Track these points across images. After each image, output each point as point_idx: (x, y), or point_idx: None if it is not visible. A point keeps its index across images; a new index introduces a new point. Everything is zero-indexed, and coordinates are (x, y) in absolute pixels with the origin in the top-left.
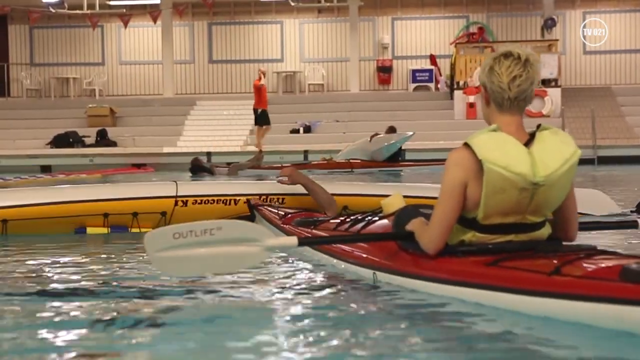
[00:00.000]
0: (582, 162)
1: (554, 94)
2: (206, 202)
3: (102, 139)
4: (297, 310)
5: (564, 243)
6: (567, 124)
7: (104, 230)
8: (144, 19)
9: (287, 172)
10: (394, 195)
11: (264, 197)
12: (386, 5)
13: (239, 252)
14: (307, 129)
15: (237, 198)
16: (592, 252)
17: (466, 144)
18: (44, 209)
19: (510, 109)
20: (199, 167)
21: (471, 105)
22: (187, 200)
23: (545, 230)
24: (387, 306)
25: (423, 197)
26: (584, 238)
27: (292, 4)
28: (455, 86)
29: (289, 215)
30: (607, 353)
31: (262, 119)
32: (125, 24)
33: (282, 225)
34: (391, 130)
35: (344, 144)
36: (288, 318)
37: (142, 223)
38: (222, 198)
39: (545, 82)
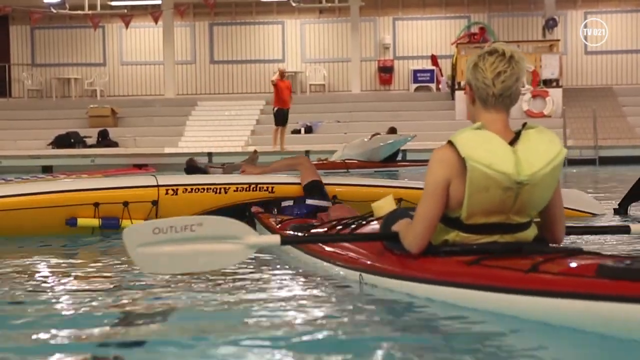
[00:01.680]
0: (584, 162)
1: (556, 94)
2: (197, 190)
3: (104, 140)
4: (279, 312)
5: (551, 245)
6: (569, 124)
7: (95, 222)
8: (145, 19)
9: (242, 169)
10: (385, 198)
11: (254, 185)
12: (387, 6)
13: (220, 249)
14: (309, 129)
15: (227, 187)
16: (575, 252)
17: (450, 142)
18: (34, 199)
19: (496, 106)
20: (194, 167)
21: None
22: (177, 189)
23: (531, 231)
24: (369, 307)
25: (400, 188)
26: (581, 243)
27: (294, 4)
28: (456, 86)
29: (286, 221)
30: (583, 351)
31: (275, 118)
32: (127, 25)
33: (278, 231)
34: (392, 131)
35: (345, 144)
36: (270, 320)
37: (133, 213)
38: (213, 187)
39: (547, 83)
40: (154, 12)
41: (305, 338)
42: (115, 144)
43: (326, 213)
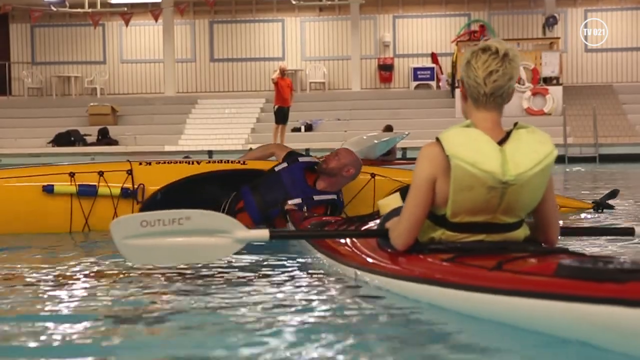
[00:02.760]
0: (584, 160)
1: (556, 92)
2: (169, 162)
3: (104, 138)
4: (270, 306)
5: (543, 245)
6: (569, 122)
7: (72, 188)
8: (145, 17)
9: None
10: (392, 196)
11: (225, 160)
12: (387, 4)
13: (208, 243)
14: (309, 127)
15: (200, 161)
16: (555, 252)
17: (438, 139)
18: (9, 171)
19: (487, 105)
20: None
21: None
22: (150, 162)
23: (522, 232)
24: (357, 304)
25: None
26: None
27: (294, 2)
28: (456, 84)
29: (309, 218)
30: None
31: (275, 116)
32: (127, 23)
33: (300, 227)
34: (388, 129)
35: (343, 142)
36: (262, 315)
37: (109, 180)
38: (185, 161)
39: (547, 80)
40: (154, 10)
41: (282, 333)
42: (115, 142)
43: (326, 161)
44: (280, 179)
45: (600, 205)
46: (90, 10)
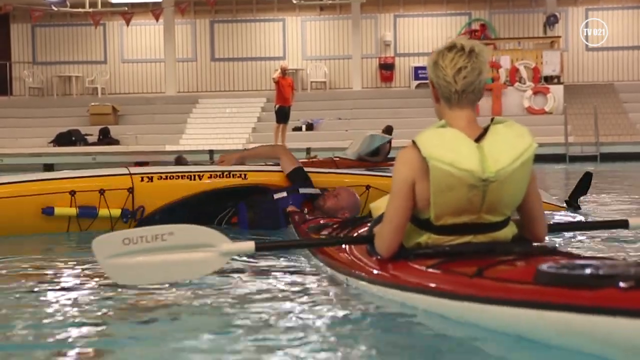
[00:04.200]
0: (585, 159)
1: (557, 91)
2: (171, 177)
3: (105, 137)
4: (256, 313)
5: (534, 244)
6: (570, 120)
7: (73, 210)
8: (146, 17)
9: (221, 158)
10: (384, 198)
11: (227, 172)
12: (388, 3)
13: (193, 258)
14: (310, 127)
15: (202, 174)
16: (540, 252)
17: (413, 142)
18: (9, 188)
19: (459, 103)
20: (182, 165)
21: None
22: (152, 177)
23: (509, 230)
24: (343, 310)
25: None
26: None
27: (294, 1)
28: None
29: (308, 221)
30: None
31: (276, 115)
32: (128, 22)
33: (299, 229)
34: (388, 129)
35: (347, 141)
36: (246, 320)
37: (109, 201)
38: (187, 174)
39: (548, 79)
40: (154, 10)
41: (259, 337)
42: (116, 142)
43: (324, 198)
44: (277, 207)
45: (572, 203)
46: (91, 10)
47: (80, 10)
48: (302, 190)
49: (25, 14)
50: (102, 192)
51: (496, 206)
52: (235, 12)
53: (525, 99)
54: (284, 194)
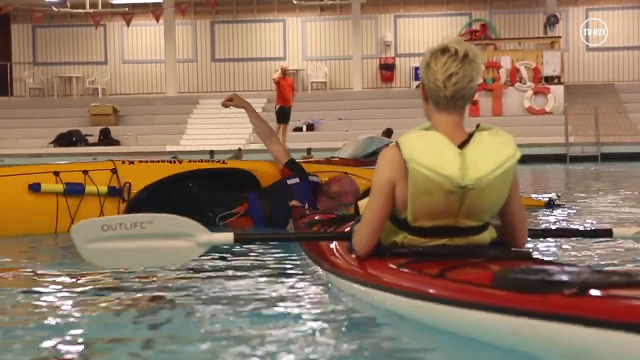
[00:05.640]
0: (586, 159)
1: (557, 91)
2: (151, 162)
3: (105, 138)
4: (230, 306)
5: (512, 249)
6: (570, 121)
7: (60, 187)
8: (147, 17)
9: (231, 96)
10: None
11: (206, 161)
12: (388, 3)
13: (170, 246)
14: (310, 127)
15: (181, 160)
16: (513, 258)
17: (397, 142)
18: None
19: (447, 108)
20: None
21: (474, 103)
22: (133, 161)
23: (487, 235)
24: (318, 305)
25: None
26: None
27: (295, 2)
28: None
29: (304, 217)
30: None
31: (277, 116)
32: (128, 23)
33: (296, 224)
34: (388, 132)
35: (347, 142)
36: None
37: (95, 180)
38: (167, 160)
39: (548, 80)
40: (155, 11)
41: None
42: (117, 143)
43: (329, 183)
44: (291, 192)
45: (552, 201)
46: (91, 10)
47: (80, 11)
48: (311, 178)
49: (26, 15)
50: (85, 172)
51: (474, 212)
52: (236, 12)
53: (526, 99)
54: (297, 180)
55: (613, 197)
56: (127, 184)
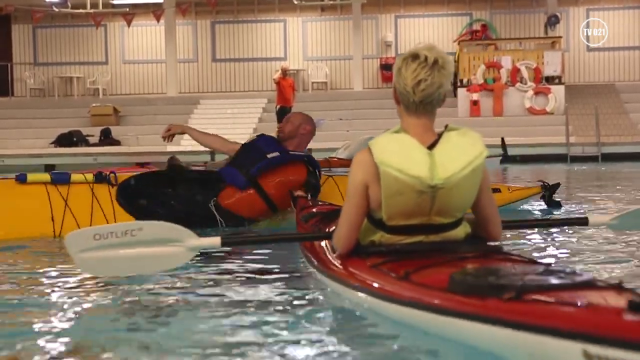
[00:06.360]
0: (587, 159)
1: (558, 91)
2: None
3: (106, 138)
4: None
5: (488, 243)
6: (571, 121)
7: (46, 177)
8: (147, 17)
9: (168, 126)
10: None
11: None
12: (389, 3)
13: (161, 252)
14: None
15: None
16: (489, 252)
17: (369, 146)
18: None
19: (417, 112)
20: (175, 165)
21: (475, 103)
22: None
23: (461, 230)
24: (303, 301)
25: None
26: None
27: (295, 2)
28: (458, 84)
29: (306, 208)
30: None
31: (277, 116)
32: (129, 23)
33: (297, 217)
34: None
35: (347, 142)
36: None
37: (78, 174)
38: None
39: (549, 80)
40: (155, 11)
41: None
42: (117, 143)
43: (281, 127)
44: (256, 144)
45: (546, 185)
46: (92, 11)
47: (81, 11)
48: (291, 152)
49: (27, 15)
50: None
51: (446, 209)
52: (237, 12)
53: (527, 100)
54: (277, 153)
55: (613, 197)
56: (112, 173)
